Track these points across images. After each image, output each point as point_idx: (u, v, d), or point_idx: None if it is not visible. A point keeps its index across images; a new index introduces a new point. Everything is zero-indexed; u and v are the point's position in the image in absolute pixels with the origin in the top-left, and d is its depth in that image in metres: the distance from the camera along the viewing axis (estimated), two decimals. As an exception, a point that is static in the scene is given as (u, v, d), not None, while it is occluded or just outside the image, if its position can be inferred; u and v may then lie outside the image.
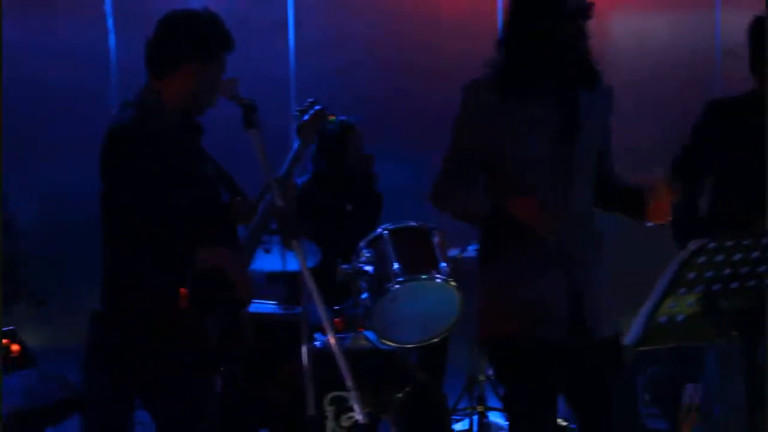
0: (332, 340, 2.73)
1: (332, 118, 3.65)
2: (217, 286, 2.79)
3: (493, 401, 4.44)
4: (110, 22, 5.27)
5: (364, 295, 3.72)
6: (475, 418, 4.36)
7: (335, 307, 3.80)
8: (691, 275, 2.15)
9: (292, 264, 3.79)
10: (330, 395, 3.64)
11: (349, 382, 2.70)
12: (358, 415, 2.65)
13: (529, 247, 2.55)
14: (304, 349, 2.88)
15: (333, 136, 4.36)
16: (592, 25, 2.58)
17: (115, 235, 2.77)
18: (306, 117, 3.54)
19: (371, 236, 3.76)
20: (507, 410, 2.88)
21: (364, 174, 4.51)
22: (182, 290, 2.73)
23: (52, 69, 5.11)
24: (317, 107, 3.54)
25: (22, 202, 5.06)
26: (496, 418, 4.57)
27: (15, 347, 2.91)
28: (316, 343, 3.71)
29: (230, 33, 2.81)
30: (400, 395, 3.65)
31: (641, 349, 2.26)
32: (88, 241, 2.98)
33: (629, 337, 2.24)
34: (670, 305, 2.18)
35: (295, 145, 3.48)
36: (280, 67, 5.49)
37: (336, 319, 3.74)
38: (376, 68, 5.48)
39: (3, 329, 2.90)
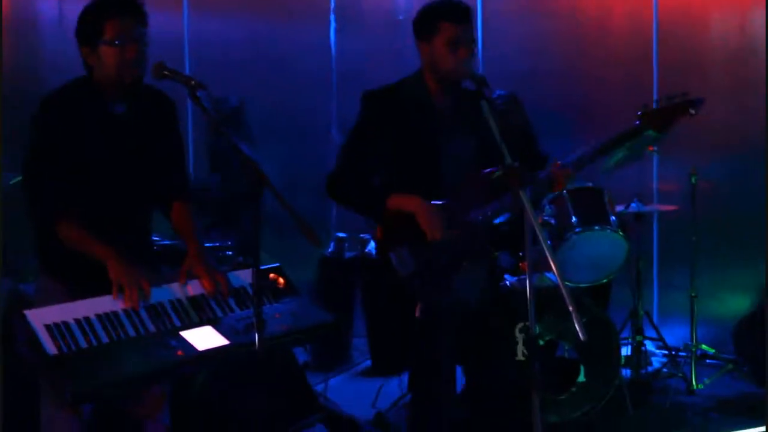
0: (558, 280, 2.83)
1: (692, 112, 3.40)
2: (404, 225, 3.37)
3: (649, 332, 5.11)
4: (333, 21, 5.83)
5: (548, 243, 4.49)
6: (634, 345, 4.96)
7: (520, 254, 4.54)
8: None
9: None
10: (520, 325, 4.37)
11: (570, 307, 2.72)
12: (580, 334, 2.65)
13: None
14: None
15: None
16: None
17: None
18: (667, 103, 3.48)
19: (553, 194, 4.52)
20: None
21: None
22: (378, 227, 3.44)
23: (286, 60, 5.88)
24: (682, 99, 3.46)
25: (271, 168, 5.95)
26: (651, 347, 5.27)
27: (281, 280, 3.27)
28: (506, 282, 4.47)
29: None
30: (577, 324, 4.32)
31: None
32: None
33: None
34: None
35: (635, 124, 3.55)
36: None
37: (521, 263, 4.47)
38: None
39: (270, 266, 3.26)
